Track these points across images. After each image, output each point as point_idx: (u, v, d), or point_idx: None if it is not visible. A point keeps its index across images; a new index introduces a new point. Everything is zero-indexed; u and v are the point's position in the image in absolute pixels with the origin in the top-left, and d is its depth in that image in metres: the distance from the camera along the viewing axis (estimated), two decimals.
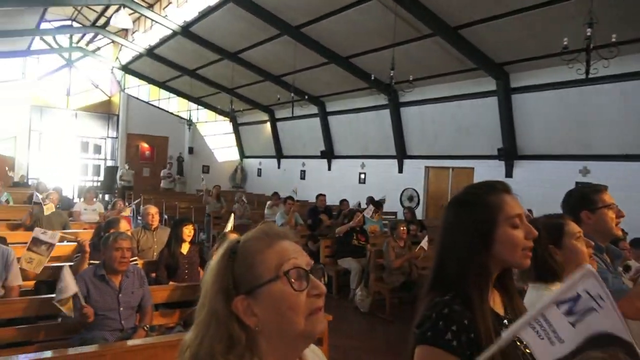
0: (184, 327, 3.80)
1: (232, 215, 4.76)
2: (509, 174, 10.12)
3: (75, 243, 5.64)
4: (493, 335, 1.12)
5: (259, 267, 0.89)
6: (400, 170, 12.91)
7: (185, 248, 4.48)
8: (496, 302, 1.30)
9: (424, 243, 6.16)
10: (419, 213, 11.93)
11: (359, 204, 10.74)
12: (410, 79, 8.81)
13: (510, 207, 1.26)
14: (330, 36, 11.04)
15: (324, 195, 9.12)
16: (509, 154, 10.00)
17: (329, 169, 15.52)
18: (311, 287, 0.90)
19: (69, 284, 3.03)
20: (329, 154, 15.32)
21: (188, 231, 4.45)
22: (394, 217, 11.08)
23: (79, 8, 15.85)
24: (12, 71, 17.56)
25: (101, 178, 19.12)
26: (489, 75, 9.86)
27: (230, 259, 0.91)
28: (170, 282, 4.32)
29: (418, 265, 6.42)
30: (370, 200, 9.62)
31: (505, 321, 1.24)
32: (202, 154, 20.64)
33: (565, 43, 6.09)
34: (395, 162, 12.96)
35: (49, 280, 4.31)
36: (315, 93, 14.38)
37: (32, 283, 4.28)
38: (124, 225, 4.58)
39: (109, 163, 19.64)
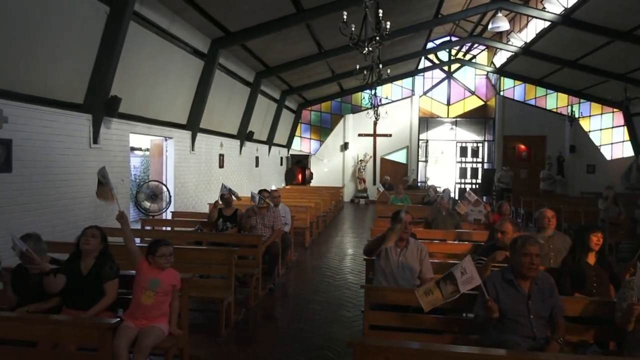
0: (600, 348, 3.39)
1: None
2: None
3: (468, 242, 6.03)
4: None
5: None
6: None
7: (592, 258, 4.01)
8: None
9: None
10: None
11: None
12: None
13: None
14: None
15: None
16: None
17: None
18: None
19: (474, 275, 3.13)
20: None
21: (596, 239, 3.97)
22: None
23: (456, 22, 17.00)
24: (404, 90, 20.54)
25: (479, 180, 19.92)
26: None
27: None
28: (575, 294, 3.96)
29: None
30: None
31: None
32: (586, 151, 18.56)
33: None
34: None
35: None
36: None
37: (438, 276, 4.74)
38: (508, 228, 4.52)
39: (486, 166, 20.23)
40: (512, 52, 16.28)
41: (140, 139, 11.30)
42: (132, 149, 12.65)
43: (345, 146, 20.25)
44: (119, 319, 3.16)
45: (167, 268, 3.71)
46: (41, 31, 5.70)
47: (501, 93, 19.74)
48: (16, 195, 5.65)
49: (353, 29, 6.99)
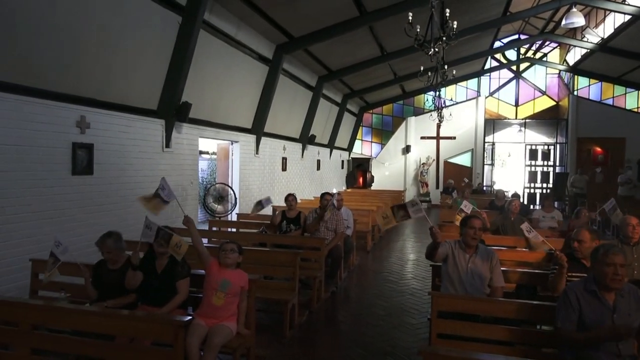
0: None
1: None
2: None
3: (545, 251, 5.68)
4: None
5: None
6: None
7: None
8: None
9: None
10: None
11: None
12: None
13: None
14: None
15: None
16: None
17: None
18: None
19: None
20: None
21: None
22: None
23: (526, 19, 16.27)
24: (469, 91, 19.93)
25: (550, 185, 18.92)
26: None
27: None
28: None
29: None
30: None
31: None
32: None
33: None
34: None
35: (528, 285, 4.46)
36: None
37: (513, 286, 4.53)
38: (585, 236, 4.22)
39: (558, 169, 19.18)
40: (588, 49, 15.35)
41: (207, 143, 11.71)
42: (200, 152, 13.15)
43: (407, 149, 19.95)
44: (190, 317, 3.27)
45: (229, 264, 3.81)
46: (119, 43, 6.06)
47: (575, 92, 18.64)
48: (96, 196, 6.03)
49: (418, 29, 6.86)
